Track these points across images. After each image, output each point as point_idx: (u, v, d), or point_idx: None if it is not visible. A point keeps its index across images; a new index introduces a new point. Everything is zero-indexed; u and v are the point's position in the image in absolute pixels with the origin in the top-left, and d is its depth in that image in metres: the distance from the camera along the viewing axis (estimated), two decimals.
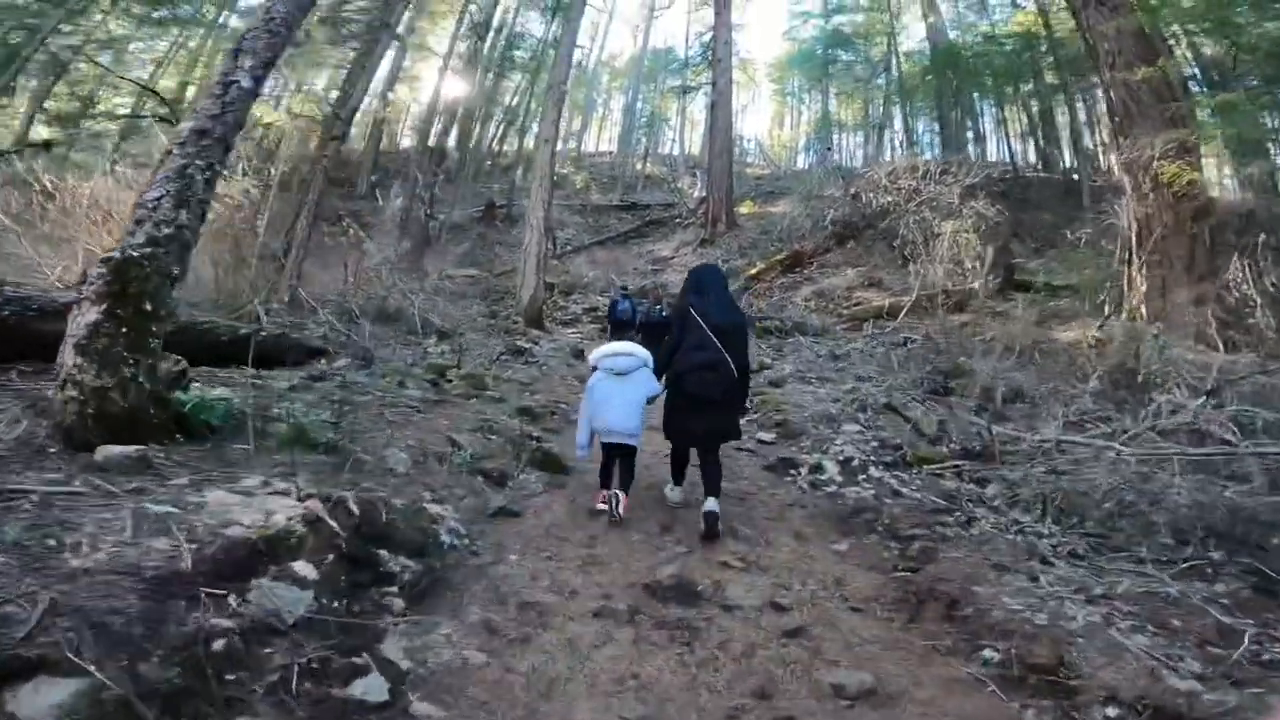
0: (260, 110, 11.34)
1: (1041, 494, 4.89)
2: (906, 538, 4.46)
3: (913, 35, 30.77)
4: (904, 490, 5.36)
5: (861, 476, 5.68)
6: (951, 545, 4.27)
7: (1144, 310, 11.31)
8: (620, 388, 4.40)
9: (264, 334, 6.69)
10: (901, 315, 14.76)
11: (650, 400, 4.56)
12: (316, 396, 5.17)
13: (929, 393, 8.63)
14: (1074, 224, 19.70)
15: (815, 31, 35.21)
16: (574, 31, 17.73)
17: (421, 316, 11.87)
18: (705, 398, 4.23)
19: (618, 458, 4.48)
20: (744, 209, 27.60)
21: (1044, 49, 25.31)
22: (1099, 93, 26.58)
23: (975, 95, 28.42)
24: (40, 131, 14.94)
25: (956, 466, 5.75)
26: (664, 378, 4.54)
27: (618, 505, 4.18)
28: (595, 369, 4.57)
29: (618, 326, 11.99)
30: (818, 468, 5.93)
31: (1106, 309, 12.25)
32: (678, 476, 4.84)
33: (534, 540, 4.00)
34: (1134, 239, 11.85)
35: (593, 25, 35.87)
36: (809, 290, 17.92)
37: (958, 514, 4.82)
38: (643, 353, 4.56)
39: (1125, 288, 12.03)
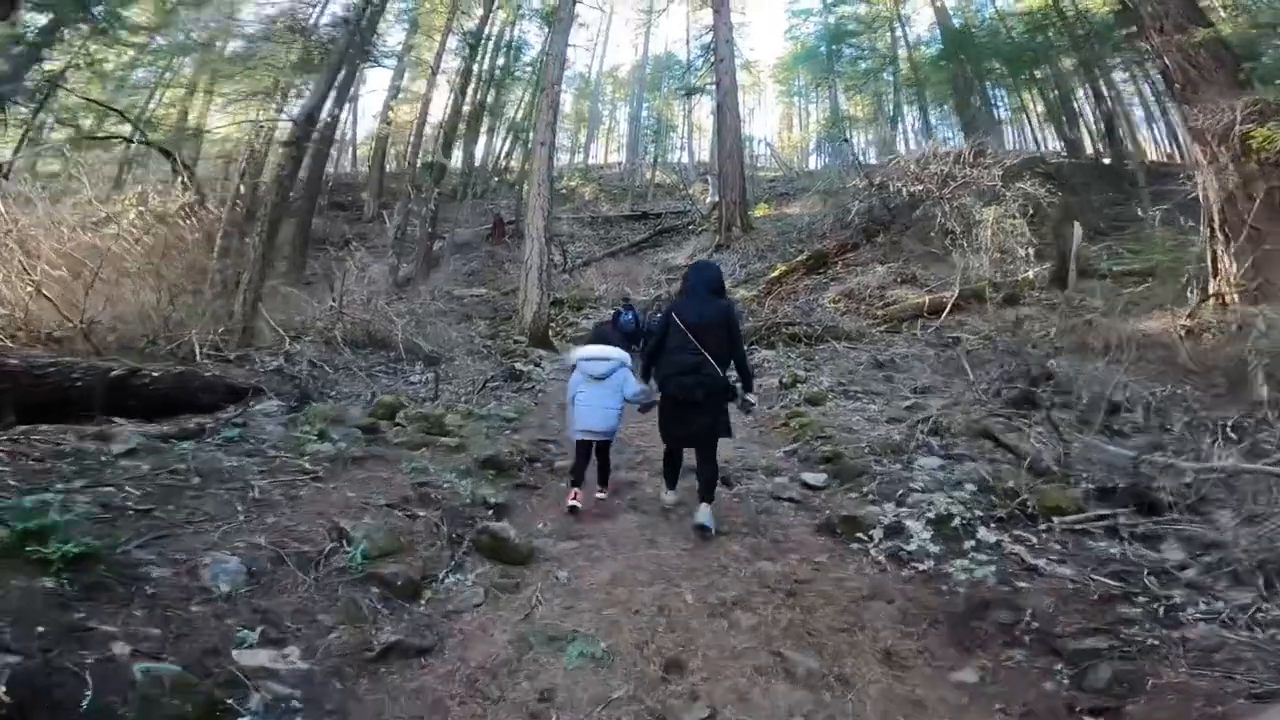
0: (218, 124, 9.89)
1: (1262, 559, 3.12)
2: (1079, 653, 2.75)
3: (917, 23, 28.95)
4: (1042, 563, 3.58)
5: (969, 543, 3.90)
6: (1159, 660, 2.58)
7: (1234, 294, 9.44)
8: (597, 391, 4.41)
9: (154, 374, 5.08)
10: (945, 313, 12.90)
11: (632, 400, 4.58)
12: (151, 467, 3.52)
13: (1010, 406, 6.80)
14: (1125, 206, 17.79)
15: (817, 28, 33.58)
16: (565, 31, 16.20)
17: (407, 341, 10.27)
18: (688, 400, 4.12)
19: (594, 449, 4.61)
20: (759, 211, 25.88)
21: (1060, 28, 23.45)
22: (1131, 70, 24.86)
23: (988, 82, 26.59)
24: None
25: (1104, 517, 3.94)
26: (650, 380, 4.48)
27: (576, 501, 4.40)
28: (573, 367, 4.57)
29: (622, 342, 10.48)
30: (897, 530, 4.16)
31: (1191, 294, 10.28)
32: (670, 479, 4.69)
33: (441, 703, 2.31)
34: (1216, 215, 9.98)
35: (591, 38, 34.62)
36: (837, 291, 16.07)
37: (1145, 600, 3.06)
38: (619, 354, 4.54)
39: (1210, 269, 10.10)
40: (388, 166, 33.45)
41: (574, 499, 4.39)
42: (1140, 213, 12.24)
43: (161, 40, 16.99)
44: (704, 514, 4.13)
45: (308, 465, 3.98)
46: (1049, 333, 10.03)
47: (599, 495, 4.71)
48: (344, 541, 3.16)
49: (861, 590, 3.63)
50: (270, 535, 3.13)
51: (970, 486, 4.59)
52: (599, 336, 5.12)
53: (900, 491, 4.71)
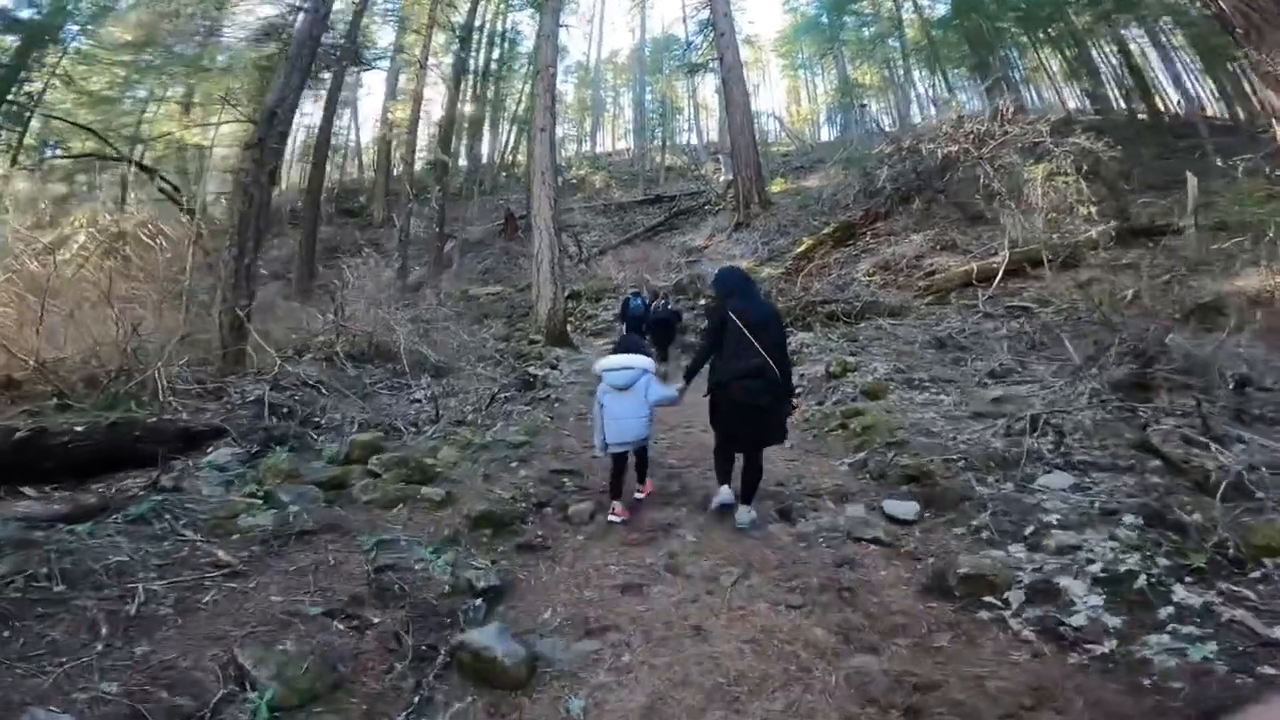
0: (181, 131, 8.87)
1: None
2: None
3: None
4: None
5: (1165, 609, 2.67)
6: None
7: None
8: (622, 401, 4.16)
9: (77, 428, 4.02)
10: (997, 280, 11.47)
11: (659, 404, 4.27)
12: (8, 570, 2.45)
13: (1118, 391, 5.49)
14: (1171, 161, 16.05)
15: None
16: (555, 10, 14.88)
17: (411, 353, 9.20)
18: (752, 404, 3.85)
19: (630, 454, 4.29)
20: (775, 187, 24.41)
21: None
22: (1145, 25, 22.69)
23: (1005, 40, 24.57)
24: None
25: None
26: (690, 381, 4.30)
27: (616, 515, 4.07)
28: (599, 379, 4.30)
29: (632, 324, 10.90)
30: (1047, 590, 2.94)
31: None
32: (724, 475, 4.26)
33: None
34: None
35: (586, 25, 33.09)
36: (870, 263, 14.67)
37: None
38: (642, 361, 4.25)
39: None
40: (394, 170, 32.56)
41: (615, 514, 4.10)
42: (1221, 163, 10.59)
43: (146, 56, 16.02)
44: (745, 514, 3.98)
45: (223, 556, 2.86)
46: (1127, 296, 8.63)
47: (638, 495, 4.44)
48: (244, 685, 2.06)
49: (1017, 694, 2.43)
50: (132, 678, 2.05)
51: (1130, 518, 3.34)
52: (625, 345, 4.66)
53: (1030, 528, 3.48)
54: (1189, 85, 25.35)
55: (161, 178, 10.48)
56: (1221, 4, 7.74)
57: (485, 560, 3.30)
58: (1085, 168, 11.42)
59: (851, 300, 11.93)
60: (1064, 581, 2.94)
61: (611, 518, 4.08)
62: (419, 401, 7.83)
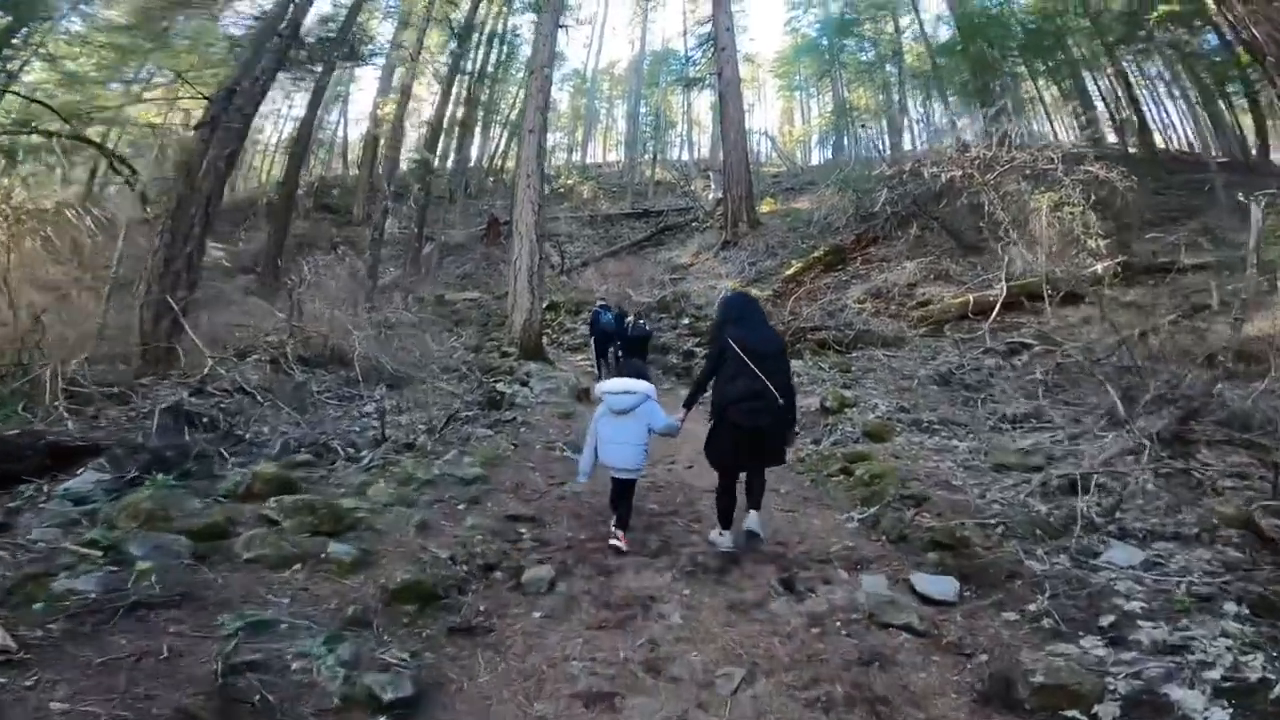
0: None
1: None
2: None
3: (927, 9, 26.87)
4: None
5: None
6: None
7: None
8: (622, 425, 3.95)
9: None
10: (994, 313, 10.88)
11: (662, 433, 4.06)
12: None
13: (1161, 444, 4.80)
14: (1165, 197, 15.76)
15: (817, 20, 31.55)
16: (555, 10, 14.17)
17: (366, 360, 8.28)
18: (753, 427, 3.74)
19: (619, 487, 4.05)
20: (765, 207, 23.87)
21: (1080, 10, 21.38)
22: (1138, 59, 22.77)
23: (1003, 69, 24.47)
24: None
25: None
26: (689, 409, 4.18)
27: (619, 541, 3.82)
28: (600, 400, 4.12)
29: (601, 339, 10.98)
30: (1154, 704, 2.18)
31: None
32: (725, 519, 3.98)
33: None
34: None
35: (587, 35, 32.58)
36: (861, 290, 14.06)
37: None
38: (644, 387, 4.03)
39: None
40: (379, 167, 31.53)
41: (617, 540, 3.88)
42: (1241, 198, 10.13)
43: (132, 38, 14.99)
44: (753, 520, 3.86)
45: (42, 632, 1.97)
46: (1147, 337, 8.03)
47: (614, 541, 3.89)
48: None
49: None
50: None
51: (1232, 606, 2.60)
52: (628, 369, 4.57)
53: (1107, 616, 2.72)
54: (1180, 120, 25.54)
55: (117, 158, 9.43)
56: (1255, 31, 7.34)
57: (401, 653, 2.42)
58: (1094, 198, 10.92)
59: (844, 328, 11.26)
60: (1174, 692, 2.18)
61: (613, 542, 3.84)
62: (368, 417, 6.91)
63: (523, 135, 13.45)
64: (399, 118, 19.83)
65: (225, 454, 4.75)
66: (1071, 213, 11.04)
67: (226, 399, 6.54)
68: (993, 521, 3.79)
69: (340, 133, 33.52)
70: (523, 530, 4.00)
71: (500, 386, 8.11)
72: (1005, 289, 11.20)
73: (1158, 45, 19.87)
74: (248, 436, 5.63)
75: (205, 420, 5.76)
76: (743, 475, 3.99)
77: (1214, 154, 20.27)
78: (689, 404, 4.18)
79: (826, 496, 5.04)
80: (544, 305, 15.08)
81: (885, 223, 14.92)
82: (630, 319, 11.76)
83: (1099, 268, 10.23)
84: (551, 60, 14.22)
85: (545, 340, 13.60)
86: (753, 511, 3.87)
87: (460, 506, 4.17)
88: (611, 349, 11.63)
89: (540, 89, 13.24)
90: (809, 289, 15.08)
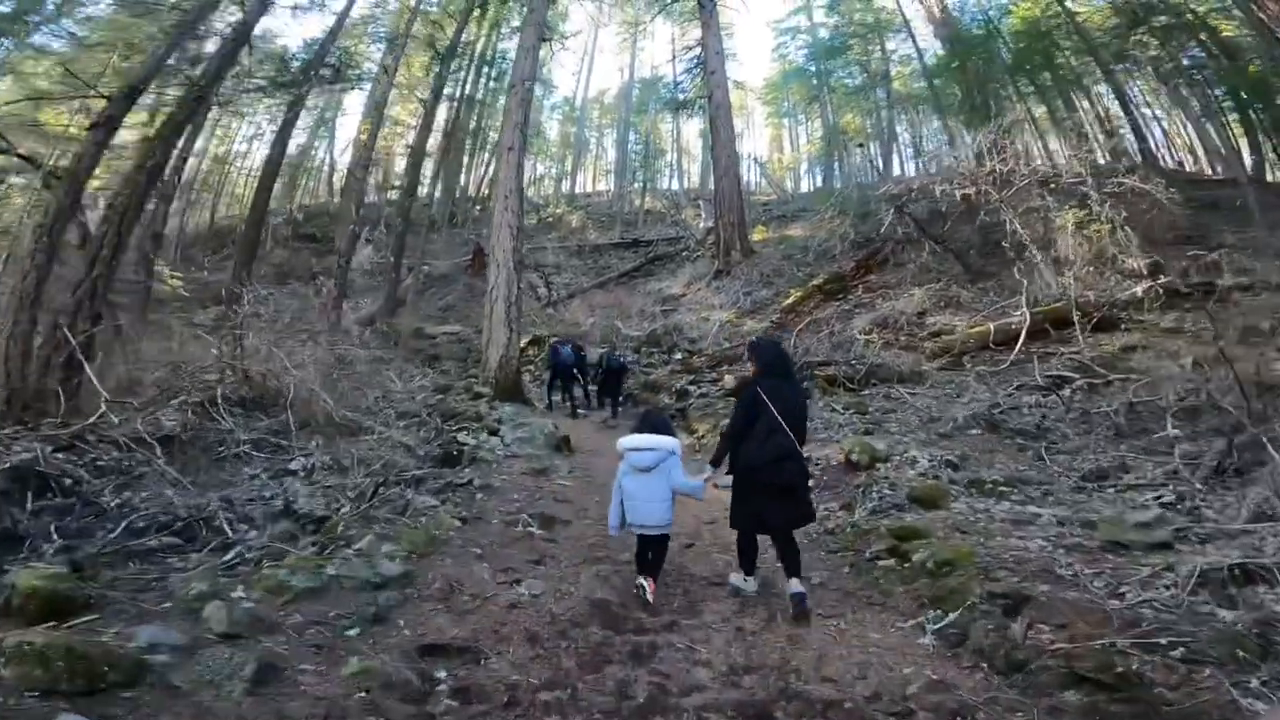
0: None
1: None
2: None
3: (917, 32, 26.30)
4: None
5: None
6: None
7: None
8: (645, 483, 3.74)
9: None
10: (1019, 344, 9.70)
11: (687, 493, 3.80)
12: None
13: None
14: (1194, 215, 14.80)
15: (804, 46, 31.11)
16: (538, 23, 13.21)
17: (306, 404, 6.96)
18: (784, 486, 3.58)
19: (651, 543, 3.80)
20: (757, 235, 22.87)
21: (1069, 29, 20.82)
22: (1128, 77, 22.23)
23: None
24: None
25: None
26: (717, 468, 3.84)
27: (645, 592, 3.59)
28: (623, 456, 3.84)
29: (563, 373, 10.62)
30: None
31: None
32: (748, 565, 3.82)
33: None
34: None
35: (576, 63, 31.94)
36: (866, 319, 12.87)
37: None
38: (667, 443, 3.81)
39: None
40: (368, 196, 30.49)
41: (645, 589, 3.56)
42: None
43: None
44: (797, 585, 3.47)
45: None
46: (1184, 362, 6.83)
47: (640, 584, 3.62)
48: None
49: None
50: None
51: None
52: (648, 423, 4.00)
53: None
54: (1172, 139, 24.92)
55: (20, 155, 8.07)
56: None
57: None
58: (1125, 215, 9.84)
59: (854, 362, 10.02)
60: None
61: (640, 583, 3.63)
62: (293, 476, 5.56)
63: (501, 154, 12.34)
64: (369, 140, 18.69)
65: (55, 532, 3.41)
66: (1099, 230, 9.97)
67: (108, 455, 5.21)
68: (1162, 640, 2.49)
69: (328, 160, 32.45)
70: (441, 675, 2.63)
71: (462, 437, 6.77)
72: (1028, 316, 10.06)
73: (1147, 61, 19.27)
74: (112, 506, 4.29)
75: (67, 483, 4.44)
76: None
77: (1215, 172, 19.51)
78: (716, 462, 3.82)
79: (876, 592, 3.71)
80: (526, 340, 13.83)
81: (891, 246, 13.75)
82: (602, 352, 11.55)
83: (1139, 290, 9.10)
84: (533, 75, 13.18)
85: (527, 378, 12.33)
86: (794, 580, 3.51)
87: (350, 633, 2.80)
88: (579, 385, 11.24)
89: (520, 105, 12.17)
90: (810, 319, 13.91)
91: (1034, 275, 10.69)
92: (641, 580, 3.62)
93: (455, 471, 5.69)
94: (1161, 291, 9.03)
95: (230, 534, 4.01)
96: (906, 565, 3.85)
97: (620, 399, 10.89)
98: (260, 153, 29.97)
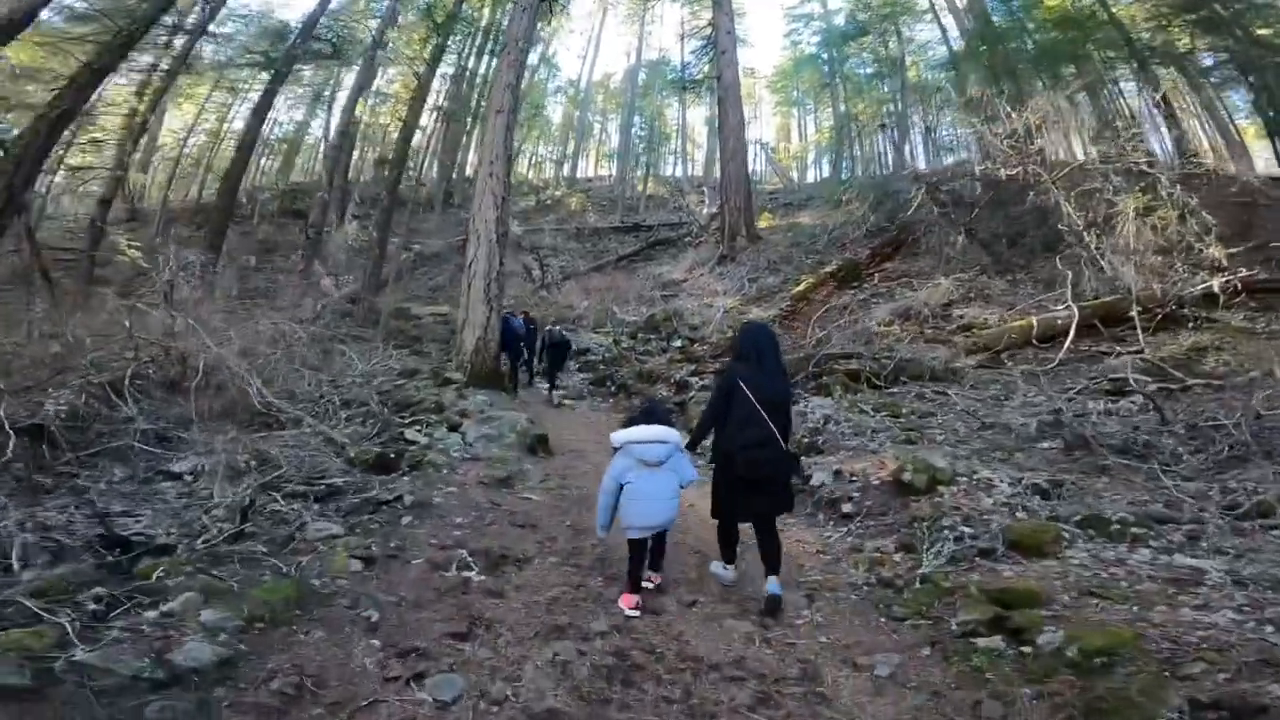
0: None
1: None
2: None
3: (946, 18, 24.66)
4: None
5: None
6: None
7: None
8: (654, 479, 3.31)
9: None
10: (1069, 340, 8.34)
11: (684, 485, 3.45)
12: None
13: None
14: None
15: (818, 33, 29.49)
16: None
17: (221, 390, 5.59)
18: (760, 477, 3.34)
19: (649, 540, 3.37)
20: (762, 222, 21.43)
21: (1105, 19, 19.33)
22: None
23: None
24: None
25: None
26: (695, 451, 3.66)
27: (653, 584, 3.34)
28: (617, 449, 3.39)
29: (508, 346, 9.75)
30: None
31: None
32: (729, 554, 3.62)
33: None
34: None
35: (581, 46, 30.35)
36: (886, 310, 11.50)
37: None
38: (674, 435, 3.44)
39: None
40: (360, 173, 28.94)
41: (634, 606, 3.14)
42: None
43: None
44: (774, 584, 3.25)
45: None
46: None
47: (648, 584, 3.33)
48: None
49: None
50: None
51: None
52: (650, 413, 3.50)
53: None
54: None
55: None
56: None
57: None
58: (1194, 203, 8.42)
59: (880, 356, 8.64)
60: None
61: (630, 610, 3.10)
62: (173, 481, 4.19)
63: (489, 116, 10.90)
64: (348, 105, 17.20)
65: None
66: (1164, 217, 8.56)
67: None
68: None
69: (318, 135, 30.82)
70: None
71: (411, 433, 5.37)
72: (1076, 310, 8.69)
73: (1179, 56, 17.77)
74: None
75: None
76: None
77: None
78: (692, 446, 3.62)
79: (986, 693, 2.34)
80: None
81: (913, 232, 12.31)
82: (547, 328, 10.99)
83: (1215, 284, 7.70)
84: (529, 35, 11.70)
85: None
86: (772, 578, 3.24)
87: None
88: (522, 359, 10.52)
89: (512, 65, 10.72)
90: (822, 308, 12.51)
91: (1080, 266, 9.31)
92: (629, 596, 3.15)
93: (389, 480, 4.30)
94: (1240, 286, 7.63)
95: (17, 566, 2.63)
96: (1027, 650, 2.49)
97: (558, 375, 10.44)
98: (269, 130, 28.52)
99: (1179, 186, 8.89)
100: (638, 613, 3.09)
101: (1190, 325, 8.11)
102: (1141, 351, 7.79)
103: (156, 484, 4.12)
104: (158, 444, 5.22)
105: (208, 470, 4.17)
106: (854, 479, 4.67)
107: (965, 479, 4.14)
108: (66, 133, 12.95)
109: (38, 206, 15.33)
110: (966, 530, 3.47)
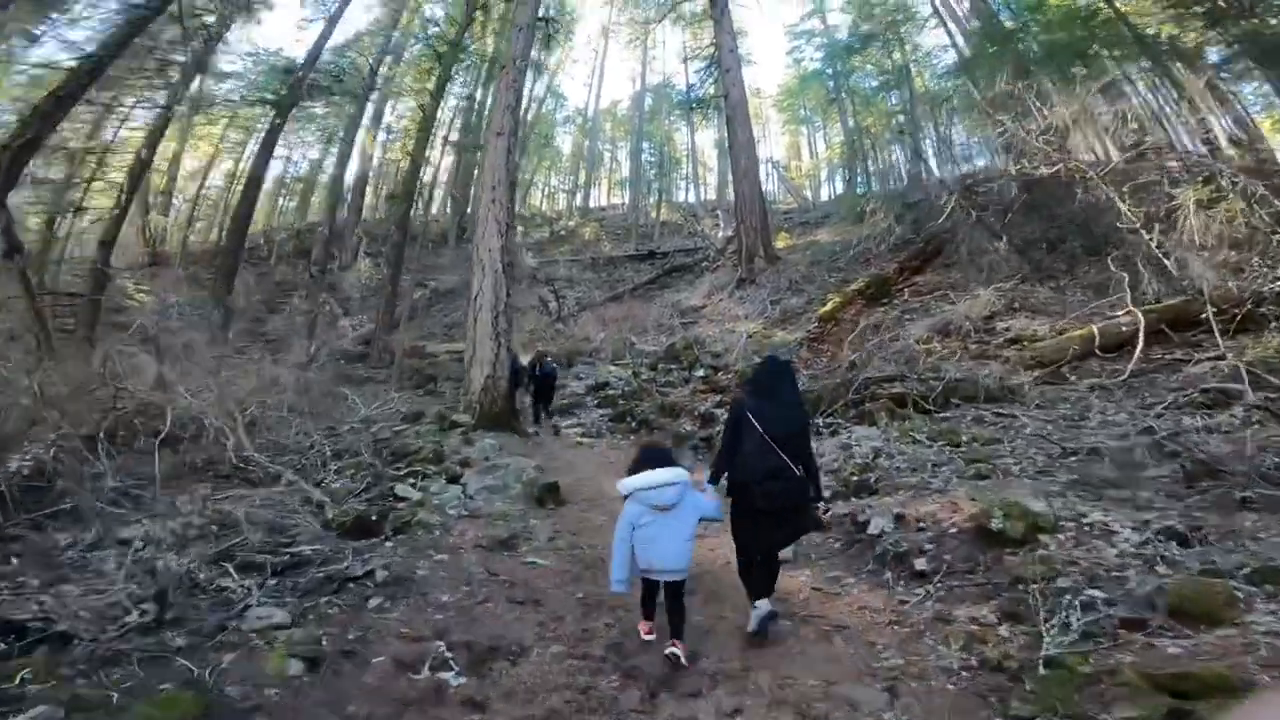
0: None
1: None
2: None
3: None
4: None
5: None
6: None
7: None
8: (667, 523, 3.12)
9: None
10: (1139, 349, 7.45)
11: (713, 519, 3.37)
12: None
13: None
14: None
15: (821, 48, 29.16)
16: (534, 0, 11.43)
17: (200, 442, 5.00)
18: (777, 508, 3.26)
19: (665, 589, 3.18)
20: (779, 242, 20.78)
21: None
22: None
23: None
24: None
25: None
26: (717, 484, 3.43)
27: (679, 659, 2.93)
28: (626, 497, 3.19)
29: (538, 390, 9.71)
30: None
31: None
32: (756, 590, 3.31)
33: None
34: None
35: (587, 75, 30.35)
36: (924, 326, 10.67)
37: None
38: (682, 475, 3.21)
39: None
40: (379, 213, 28.98)
41: (648, 633, 3.20)
42: None
43: None
44: (765, 606, 3.23)
45: None
46: None
47: (671, 651, 2.93)
48: None
49: None
50: None
51: None
52: (650, 457, 3.24)
53: None
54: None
55: None
56: None
57: None
58: (1258, 194, 7.58)
59: (925, 376, 7.82)
60: None
61: (646, 636, 3.16)
62: (123, 548, 3.54)
63: (488, 140, 10.47)
64: (346, 137, 17.01)
65: None
66: (1230, 210, 7.71)
67: None
68: None
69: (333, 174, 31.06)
70: None
71: (402, 488, 4.69)
72: (1141, 316, 7.82)
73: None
74: None
75: None
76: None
77: None
78: (714, 480, 3.39)
79: None
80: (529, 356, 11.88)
81: (944, 242, 11.54)
82: (533, 358, 10.53)
83: None
84: (526, 55, 11.32)
85: (516, 402, 10.29)
86: (763, 600, 3.23)
87: None
88: (517, 392, 9.85)
89: (510, 85, 10.30)
90: (853, 327, 11.71)
91: (1137, 267, 8.47)
92: (676, 651, 2.91)
93: (367, 548, 3.61)
94: None
95: None
96: None
97: (549, 408, 10.04)
98: (274, 168, 28.76)
99: (1243, 175, 8.02)
100: (653, 636, 3.10)
101: (1273, 324, 7.21)
102: (1223, 357, 6.91)
103: (106, 549, 3.49)
104: (129, 503, 4.64)
105: (155, 538, 3.52)
106: (923, 526, 3.87)
107: (1072, 524, 3.33)
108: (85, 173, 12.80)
109: (55, 250, 15.28)
110: (1097, 594, 2.67)
